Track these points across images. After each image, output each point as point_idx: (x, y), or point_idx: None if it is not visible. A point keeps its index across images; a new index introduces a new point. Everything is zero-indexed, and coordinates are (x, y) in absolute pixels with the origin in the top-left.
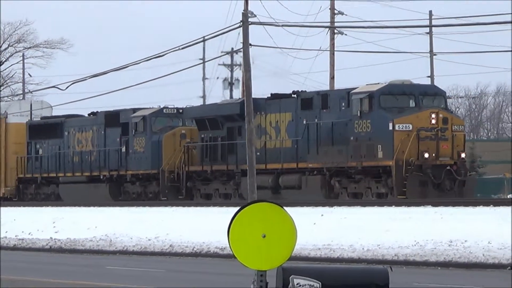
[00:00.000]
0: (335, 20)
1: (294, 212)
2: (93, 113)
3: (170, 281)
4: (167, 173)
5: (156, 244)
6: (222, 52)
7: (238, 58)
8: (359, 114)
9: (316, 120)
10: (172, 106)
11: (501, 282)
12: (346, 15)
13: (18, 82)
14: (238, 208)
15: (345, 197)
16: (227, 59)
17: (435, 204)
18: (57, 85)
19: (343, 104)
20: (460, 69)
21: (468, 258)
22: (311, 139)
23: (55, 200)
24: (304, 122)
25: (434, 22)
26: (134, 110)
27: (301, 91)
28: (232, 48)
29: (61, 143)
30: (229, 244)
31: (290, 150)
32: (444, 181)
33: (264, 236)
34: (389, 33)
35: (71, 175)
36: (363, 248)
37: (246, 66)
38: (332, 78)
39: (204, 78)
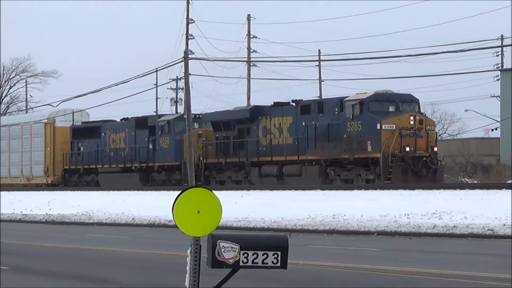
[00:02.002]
0: (251, 56)
1: (221, 194)
2: (124, 119)
3: (133, 244)
4: (188, 164)
5: (122, 217)
6: (169, 79)
7: (181, 83)
8: (351, 117)
9: (313, 122)
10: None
11: (369, 244)
12: (258, 52)
13: (22, 101)
14: (179, 192)
15: (339, 182)
16: (173, 84)
17: (323, 188)
18: (51, 103)
19: (336, 109)
20: (343, 92)
21: (346, 227)
22: (310, 137)
23: (95, 186)
24: (303, 124)
25: (322, 58)
26: (159, 116)
27: (299, 99)
28: (177, 76)
29: (98, 142)
30: (173, 218)
31: (292, 146)
32: (421, 169)
33: (199, 212)
34: (290, 65)
35: (108, 166)
36: (271, 220)
37: (187, 90)
38: (248, 98)
39: (156, 98)
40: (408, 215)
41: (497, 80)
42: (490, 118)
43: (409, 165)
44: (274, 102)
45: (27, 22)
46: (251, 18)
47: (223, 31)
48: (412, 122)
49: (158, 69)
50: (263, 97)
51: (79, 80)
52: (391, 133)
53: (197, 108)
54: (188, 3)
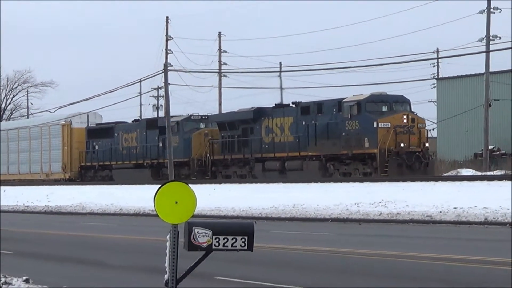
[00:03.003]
0: (222, 68)
1: (196, 187)
2: (135, 120)
3: (121, 231)
4: (196, 160)
5: (111, 208)
6: (152, 88)
7: (162, 92)
8: (349, 117)
9: (313, 122)
10: (197, 114)
11: (324, 229)
12: (228, 64)
13: (23, 108)
14: (159, 185)
15: (338, 176)
16: (155, 92)
17: (284, 182)
18: (49, 109)
19: (334, 110)
20: (302, 99)
21: (305, 215)
22: (310, 135)
23: (109, 180)
24: (303, 123)
25: (283, 69)
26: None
27: (299, 101)
28: (158, 86)
29: (112, 141)
30: (155, 208)
31: (293, 143)
32: (414, 163)
33: (177, 203)
34: (255, 76)
35: (121, 163)
36: (240, 209)
37: (167, 97)
38: (220, 104)
39: (140, 104)
40: (358, 204)
41: (434, 87)
42: (428, 120)
43: (403, 160)
44: (275, 104)
45: (25, 34)
46: (222, 35)
47: (198, 47)
48: (405, 121)
49: (141, 79)
50: (233, 103)
51: (73, 88)
52: (387, 131)
53: (176, 113)
54: (167, 22)
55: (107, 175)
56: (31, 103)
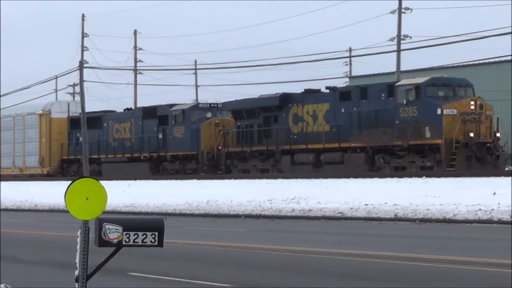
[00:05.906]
0: (137, 65)
1: (109, 183)
2: (128, 109)
3: (35, 227)
4: (206, 154)
5: (26, 204)
6: (68, 85)
7: (78, 88)
8: (404, 102)
9: (355, 108)
10: (205, 102)
11: (237, 225)
12: (143, 62)
13: None
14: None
15: (388, 170)
16: (71, 89)
17: (199, 178)
18: None
19: (383, 95)
20: (214, 96)
21: (218, 211)
22: (354, 124)
23: (97, 175)
24: (343, 110)
25: (198, 66)
26: (171, 105)
27: (333, 86)
28: (74, 83)
29: (100, 132)
30: (65, 204)
31: (330, 133)
32: (485, 156)
33: (87, 199)
34: (170, 73)
35: (112, 156)
36: (154, 206)
37: (82, 94)
38: (135, 101)
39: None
40: (271, 200)
41: (346, 85)
42: None
43: (473, 152)
44: (305, 89)
45: None
46: (137, 33)
47: (114, 44)
48: (472, 107)
49: (57, 76)
50: (147, 99)
51: None
52: (453, 119)
53: (92, 109)
54: (83, 19)
55: (94, 169)
56: None
